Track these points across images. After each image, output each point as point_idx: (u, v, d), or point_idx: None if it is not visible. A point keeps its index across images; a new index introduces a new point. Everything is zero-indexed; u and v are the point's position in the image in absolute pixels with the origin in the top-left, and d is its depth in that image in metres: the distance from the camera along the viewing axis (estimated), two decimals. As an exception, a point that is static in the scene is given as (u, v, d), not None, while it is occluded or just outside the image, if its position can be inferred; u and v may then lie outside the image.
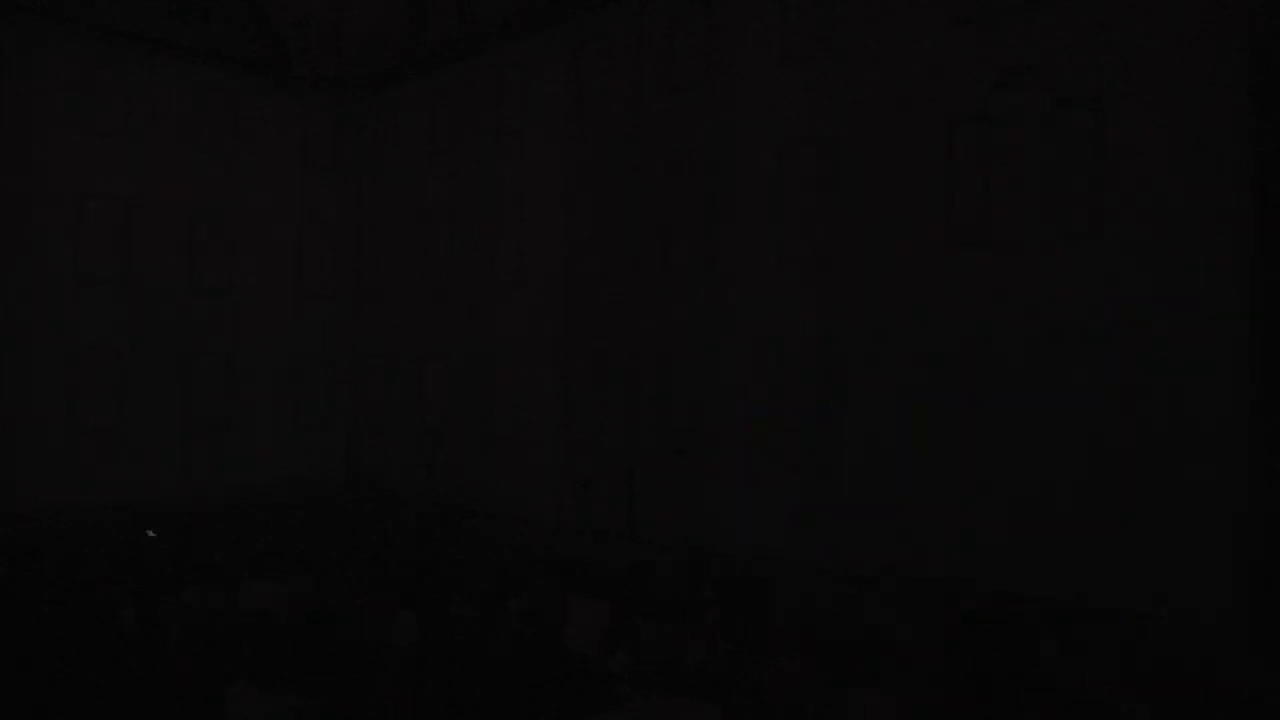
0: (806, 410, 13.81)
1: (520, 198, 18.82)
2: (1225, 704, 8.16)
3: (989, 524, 12.51)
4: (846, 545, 13.11)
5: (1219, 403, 10.21)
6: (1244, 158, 10.13)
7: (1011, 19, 11.84)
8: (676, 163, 15.79)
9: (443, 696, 6.01)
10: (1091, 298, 11.13)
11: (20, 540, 13.09)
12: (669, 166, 15.91)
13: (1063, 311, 11.35)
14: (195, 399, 20.34)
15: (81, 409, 18.74)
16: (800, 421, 13.87)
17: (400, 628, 7.72)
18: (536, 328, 18.37)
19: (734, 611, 7.03)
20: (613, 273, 16.85)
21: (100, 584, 9.35)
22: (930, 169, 12.60)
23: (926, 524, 12.86)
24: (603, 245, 17.07)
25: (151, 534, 13.24)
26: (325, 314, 22.75)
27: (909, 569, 13.20)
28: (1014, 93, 11.77)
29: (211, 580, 8.90)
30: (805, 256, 13.94)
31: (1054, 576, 11.37)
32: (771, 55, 14.47)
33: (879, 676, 8.29)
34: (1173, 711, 7.97)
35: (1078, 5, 11.30)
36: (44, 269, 18.39)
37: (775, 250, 14.31)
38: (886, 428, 13.01)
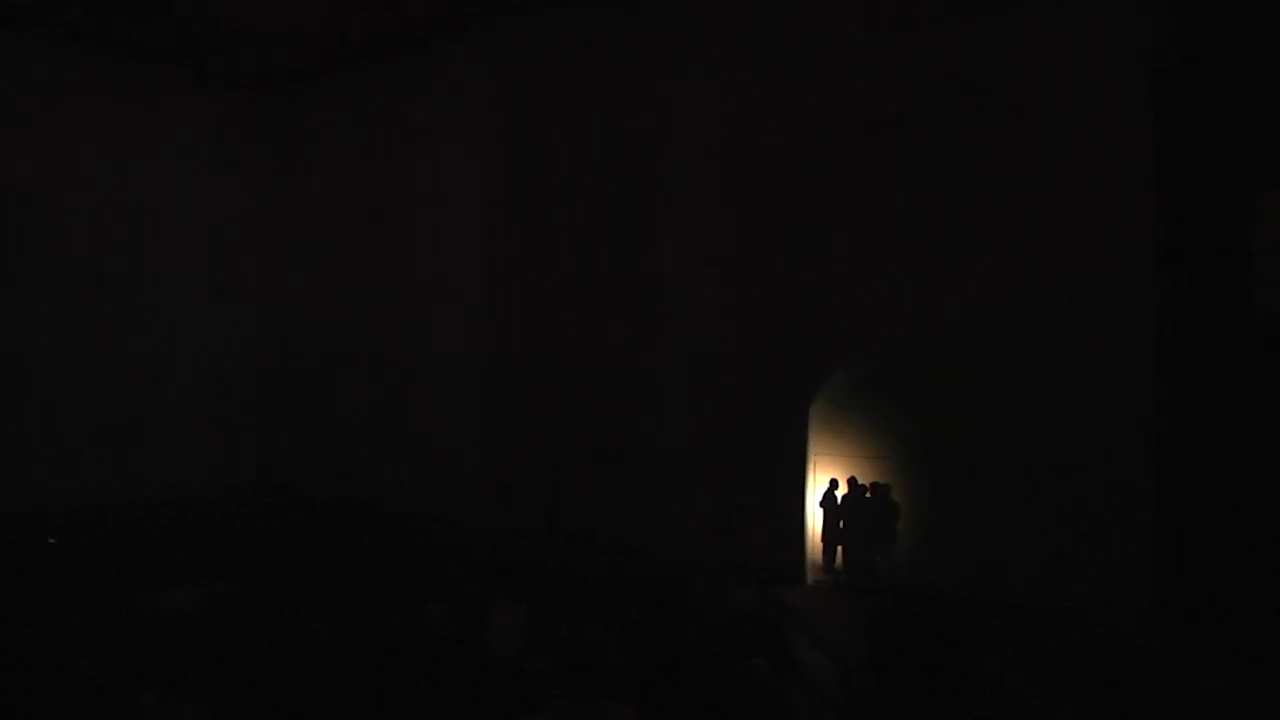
0: (727, 411, 13.98)
1: (443, 199, 18.61)
2: (1144, 702, 8.49)
3: (914, 528, 12.81)
4: (764, 546, 13.33)
5: (1131, 411, 10.60)
6: (1148, 171, 10.59)
7: (931, 27, 12.13)
8: (601, 165, 15.81)
9: (362, 701, 5.95)
10: (1007, 305, 11.45)
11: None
12: (593, 169, 15.92)
13: (979, 318, 11.68)
14: (107, 401, 19.54)
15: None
16: (722, 422, 14.04)
17: (319, 632, 7.60)
18: (459, 328, 18.19)
19: (654, 612, 7.12)
20: (537, 274, 16.78)
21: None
22: (851, 173, 12.80)
23: (843, 522, 13.15)
24: (527, 247, 16.98)
25: (53, 541, 12.74)
26: (243, 315, 22.09)
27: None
28: (934, 99, 12.08)
29: (120, 587, 8.62)
30: (728, 257, 14.08)
31: (979, 579, 11.63)
32: (696, 59, 14.58)
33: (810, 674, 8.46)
34: (1094, 709, 8.28)
35: (994, 15, 11.63)
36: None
37: (699, 252, 14.43)
38: (799, 430, 13.26)
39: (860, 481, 13.05)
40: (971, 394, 11.94)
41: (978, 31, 11.75)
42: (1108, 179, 10.78)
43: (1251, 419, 9.80)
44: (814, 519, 13.37)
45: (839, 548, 13.31)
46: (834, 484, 13.20)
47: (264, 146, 22.45)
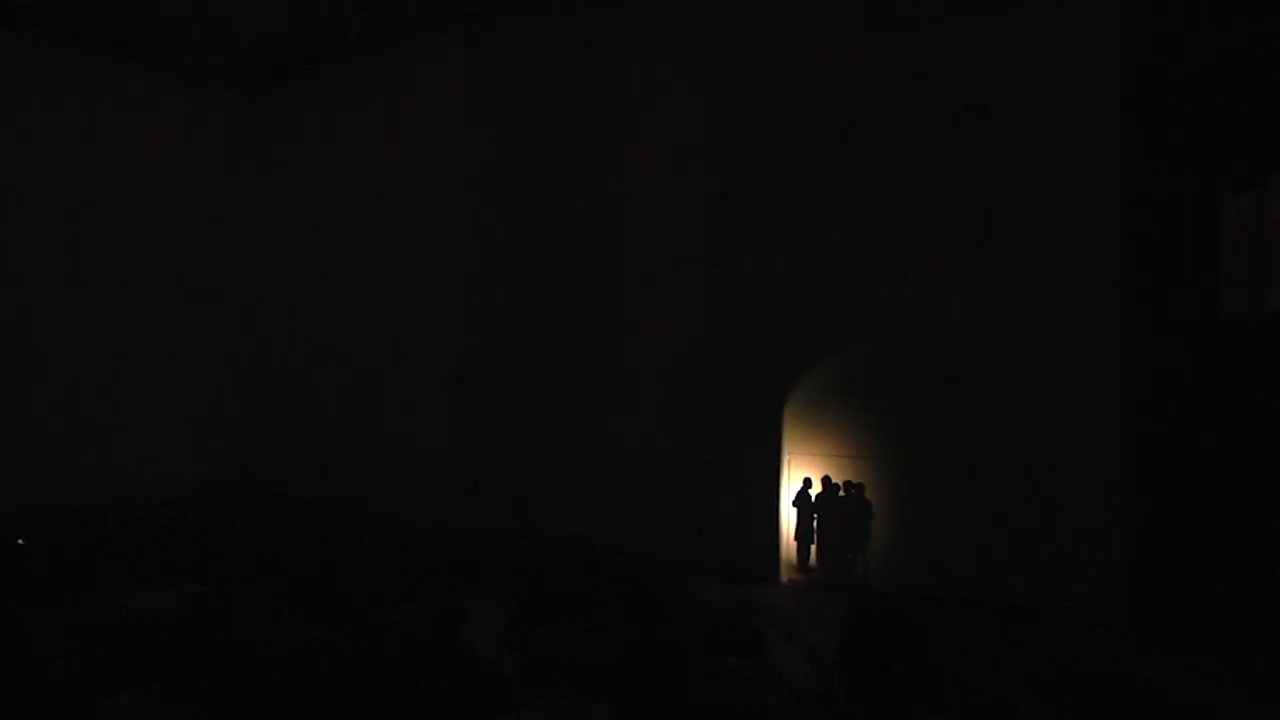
0: (704, 410, 14.04)
1: (420, 198, 18.56)
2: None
3: (889, 527, 12.94)
4: (740, 545, 13.40)
5: (1105, 411, 10.78)
6: (1122, 170, 10.73)
7: (909, 29, 12.22)
8: (578, 164, 15.83)
9: (337, 701, 5.93)
10: (984, 307, 11.59)
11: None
12: (570, 168, 15.93)
13: (956, 320, 11.81)
14: (83, 400, 19.32)
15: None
16: (698, 421, 14.09)
17: (294, 632, 7.55)
18: (436, 328, 18.16)
19: (631, 612, 7.13)
20: (513, 273, 16.78)
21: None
22: (826, 173, 12.91)
23: (819, 521, 13.23)
24: (503, 246, 16.98)
25: (21, 542, 12.56)
26: (221, 313, 21.91)
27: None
28: (910, 100, 12.16)
29: (94, 588, 8.52)
30: (703, 257, 14.15)
31: (957, 580, 11.75)
32: (673, 57, 14.64)
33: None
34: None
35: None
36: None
37: (674, 251, 14.49)
38: (774, 429, 13.34)
39: (834, 480, 13.15)
40: (956, 394, 12.02)
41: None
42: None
43: (1235, 418, 9.92)
44: (788, 518, 13.46)
45: (812, 547, 13.41)
46: (807, 483, 13.30)
47: (243, 142, 22.28)
